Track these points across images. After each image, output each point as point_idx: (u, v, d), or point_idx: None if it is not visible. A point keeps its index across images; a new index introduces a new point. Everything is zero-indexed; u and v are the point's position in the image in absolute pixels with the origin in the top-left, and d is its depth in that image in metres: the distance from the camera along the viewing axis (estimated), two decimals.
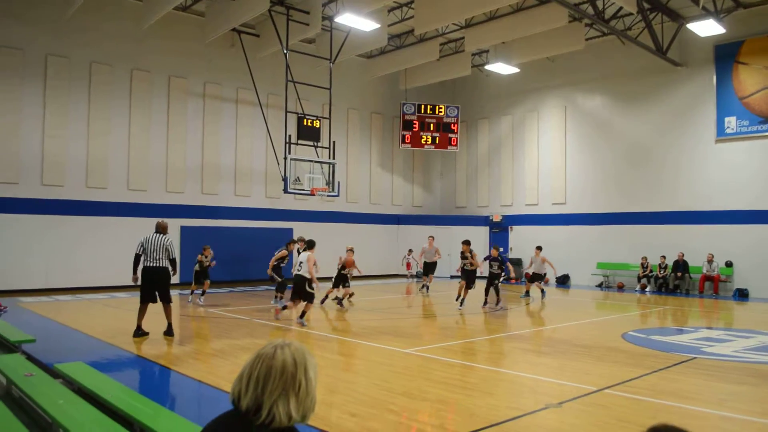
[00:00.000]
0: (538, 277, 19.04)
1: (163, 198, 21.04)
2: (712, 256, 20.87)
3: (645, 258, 22.35)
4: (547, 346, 11.08)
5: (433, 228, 27.53)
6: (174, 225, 20.92)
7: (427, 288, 20.36)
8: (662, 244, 22.21)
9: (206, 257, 16.00)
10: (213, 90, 22.41)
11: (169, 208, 20.91)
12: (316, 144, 21.20)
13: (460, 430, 5.91)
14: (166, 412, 5.34)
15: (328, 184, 20.72)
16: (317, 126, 20.93)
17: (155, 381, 8.42)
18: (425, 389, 7.51)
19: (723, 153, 21.45)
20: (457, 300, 16.06)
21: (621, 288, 23.09)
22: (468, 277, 16.04)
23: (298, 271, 12.70)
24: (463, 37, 23.80)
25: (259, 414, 1.96)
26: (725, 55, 21.46)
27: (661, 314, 16.38)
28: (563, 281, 24.74)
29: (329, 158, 21.19)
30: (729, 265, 20.87)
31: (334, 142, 21.39)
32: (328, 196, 21.37)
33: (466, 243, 16.31)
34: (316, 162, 20.85)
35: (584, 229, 24.60)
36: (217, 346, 10.42)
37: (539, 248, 19.43)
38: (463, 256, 16.18)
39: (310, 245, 13.01)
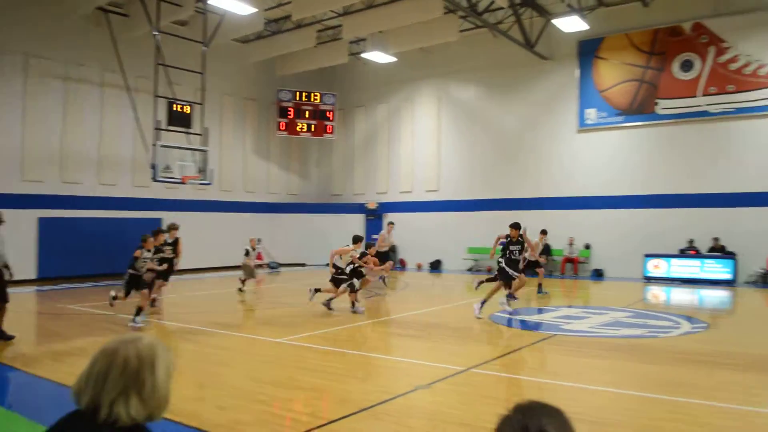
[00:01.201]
0: (536, 265, 16.51)
1: (19, 188, 19.51)
2: (573, 240, 22.22)
3: None
4: (418, 330, 11.32)
5: (309, 216, 27.48)
6: (31, 216, 19.56)
7: (384, 279, 17.99)
8: (528, 229, 23.26)
9: (150, 252, 12.00)
10: (76, 72, 21.01)
11: (27, 199, 19.46)
12: (187, 130, 20.46)
13: (331, 417, 5.91)
14: (17, 418, 4.97)
15: (200, 172, 20.08)
16: (188, 112, 20.21)
17: (7, 385, 7.82)
18: (297, 378, 7.47)
19: (584, 142, 22.84)
20: (508, 300, 12.57)
21: (489, 271, 23.99)
22: (512, 269, 12.55)
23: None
24: (340, 25, 23.74)
25: (99, 413, 1.84)
26: (587, 51, 22.79)
27: (526, 295, 17.18)
28: (436, 266, 25.47)
29: (201, 145, 20.53)
30: (587, 247, 22.31)
31: (206, 129, 20.74)
32: (201, 184, 20.70)
33: (517, 227, 12.59)
34: (187, 149, 20.13)
35: (456, 216, 25.38)
36: (79, 345, 9.83)
37: (544, 232, 17.10)
38: (514, 243, 12.52)
39: (354, 241, 13.44)
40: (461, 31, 22.92)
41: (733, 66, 20.31)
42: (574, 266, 22.23)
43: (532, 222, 23.27)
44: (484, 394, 6.73)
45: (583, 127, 22.75)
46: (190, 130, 20.52)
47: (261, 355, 9.07)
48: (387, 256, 18.23)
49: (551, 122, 23.56)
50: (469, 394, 6.76)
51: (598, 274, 21.85)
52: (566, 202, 22.90)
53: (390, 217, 27.36)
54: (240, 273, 17.52)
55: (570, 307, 14.42)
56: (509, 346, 9.23)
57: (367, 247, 14.28)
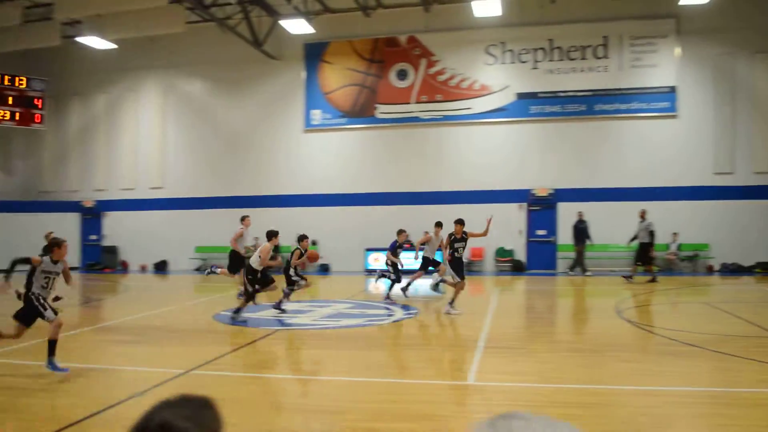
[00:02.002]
0: (433, 264, 14.79)
1: None
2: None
3: None
4: (137, 335, 10.70)
5: (12, 216, 24.45)
6: None
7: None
8: (262, 226, 23.35)
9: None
10: None
11: None
12: None
13: None
14: None
15: None
16: None
17: None
18: None
19: (311, 142, 23.57)
20: (452, 304, 12.34)
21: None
22: (460, 267, 12.47)
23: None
24: (52, 4, 21.45)
25: None
26: (314, 54, 23.57)
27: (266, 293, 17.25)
28: (161, 267, 24.37)
29: None
30: (315, 243, 22.93)
31: None
32: None
33: (461, 222, 12.53)
34: None
35: (183, 214, 24.52)
36: None
37: (439, 224, 14.83)
38: (458, 240, 12.42)
39: (268, 236, 12.12)
40: (188, 22, 22.18)
41: (441, 78, 22.56)
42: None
43: (264, 220, 23.46)
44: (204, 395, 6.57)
45: (309, 127, 23.53)
46: None
47: None
48: (242, 259, 14.54)
49: (279, 121, 23.94)
50: None
51: (324, 269, 22.71)
52: (295, 199, 23.43)
53: (111, 216, 25.62)
54: None
55: (297, 302, 14.75)
56: (232, 344, 9.17)
57: (300, 240, 13.09)
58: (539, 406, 6.35)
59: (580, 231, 20.42)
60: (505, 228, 21.72)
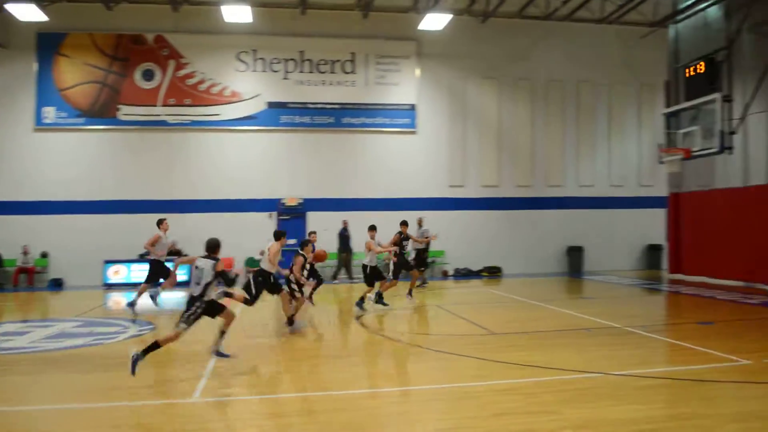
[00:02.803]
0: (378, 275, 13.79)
1: None
2: (28, 248, 20.41)
3: None
4: None
5: None
6: None
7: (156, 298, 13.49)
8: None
9: None
10: None
11: None
12: None
13: None
14: None
15: None
16: None
17: None
18: None
19: (41, 143, 21.27)
20: (410, 294, 14.91)
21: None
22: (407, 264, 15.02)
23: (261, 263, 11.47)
24: None
25: None
26: (48, 45, 21.36)
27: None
28: None
29: None
30: (45, 255, 20.85)
31: None
32: None
33: (406, 224, 14.86)
34: None
35: None
36: None
37: (373, 228, 13.98)
38: (405, 239, 14.82)
39: (276, 237, 11.61)
40: None
41: (191, 81, 21.83)
42: (30, 277, 20.46)
43: None
44: None
45: (41, 126, 21.21)
46: None
47: None
48: (163, 266, 13.76)
49: (6, 117, 21.23)
50: None
51: (56, 284, 20.60)
52: (20, 206, 20.93)
53: None
54: None
55: (12, 322, 13.14)
56: None
57: (302, 246, 11.89)
58: (265, 417, 6.28)
59: (345, 239, 21.10)
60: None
